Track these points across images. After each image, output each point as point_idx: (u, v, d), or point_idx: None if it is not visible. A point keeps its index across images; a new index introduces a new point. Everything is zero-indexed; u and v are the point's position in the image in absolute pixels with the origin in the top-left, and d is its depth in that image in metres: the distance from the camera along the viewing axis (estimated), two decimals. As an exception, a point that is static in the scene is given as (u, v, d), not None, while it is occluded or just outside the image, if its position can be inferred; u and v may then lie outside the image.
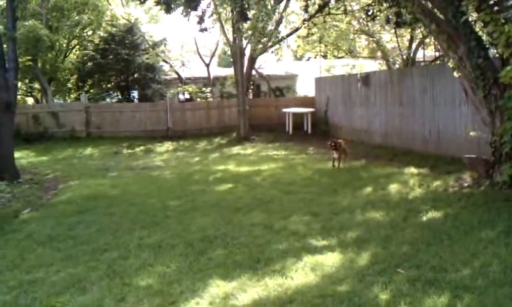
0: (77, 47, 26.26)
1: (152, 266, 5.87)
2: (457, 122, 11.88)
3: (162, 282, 5.41)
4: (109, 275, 5.68)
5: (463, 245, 6.07)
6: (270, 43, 19.40)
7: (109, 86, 24.75)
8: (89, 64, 23.95)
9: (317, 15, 19.26)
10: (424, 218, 7.35)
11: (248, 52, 19.67)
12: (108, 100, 25.18)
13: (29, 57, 20.33)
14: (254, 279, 5.32)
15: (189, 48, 32.95)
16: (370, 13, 16.95)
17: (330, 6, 18.63)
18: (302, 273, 5.46)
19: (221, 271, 5.60)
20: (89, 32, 25.89)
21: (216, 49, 27.93)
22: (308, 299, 4.81)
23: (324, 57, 27.21)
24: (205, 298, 4.95)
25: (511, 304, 4.53)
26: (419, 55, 20.97)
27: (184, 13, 15.84)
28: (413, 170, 10.94)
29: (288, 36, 21.37)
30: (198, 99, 23.31)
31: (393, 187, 9.43)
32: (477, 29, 9.87)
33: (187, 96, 25.95)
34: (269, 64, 28.16)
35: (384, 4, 14.92)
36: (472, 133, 10.02)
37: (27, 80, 24.92)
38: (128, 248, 6.54)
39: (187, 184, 10.58)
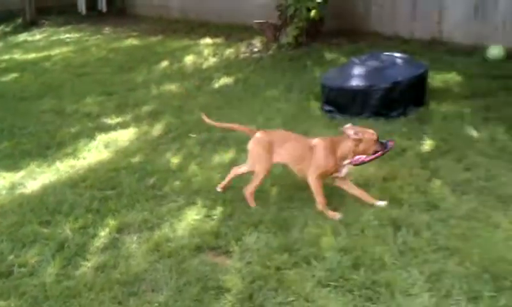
0: None
1: None
2: (248, -10, 12.09)
3: None
4: None
5: (250, 105, 6.45)
6: None
7: None
8: None
9: None
10: (216, 85, 7.61)
11: None
12: None
13: None
14: (44, 166, 5.10)
15: None
16: None
17: None
18: (95, 152, 5.37)
19: (9, 162, 5.27)
20: None
21: None
22: (101, 174, 4.78)
23: None
24: (-10, 191, 4.66)
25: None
26: None
27: None
28: (208, 41, 11.07)
29: None
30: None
31: (189, 59, 9.50)
32: None
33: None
34: None
35: None
36: (259, -1, 10.33)
37: None
38: None
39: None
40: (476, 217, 3.58)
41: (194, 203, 4.13)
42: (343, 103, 5.64)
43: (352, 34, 9.23)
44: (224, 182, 4.26)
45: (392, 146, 3.82)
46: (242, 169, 4.19)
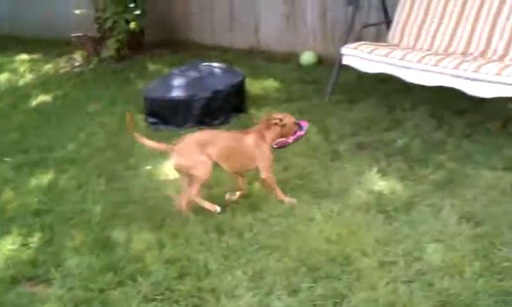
0: None
1: None
2: (66, 2, 11.56)
3: None
4: None
5: (70, 122, 6.17)
6: None
7: None
8: None
9: None
10: (34, 102, 7.17)
11: None
12: None
13: None
14: None
15: None
16: None
17: None
18: None
19: None
20: None
21: None
22: None
23: None
24: None
25: (110, 165, 4.88)
26: None
27: None
28: (24, 57, 10.37)
29: None
30: None
31: (3, 77, 8.82)
32: None
33: None
34: None
35: None
36: (77, 12, 9.91)
37: None
38: None
39: None
40: (293, 213, 3.77)
41: (8, 232, 3.82)
42: (166, 114, 5.63)
43: (175, 45, 9.28)
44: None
45: (306, 127, 4.10)
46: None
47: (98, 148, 5.32)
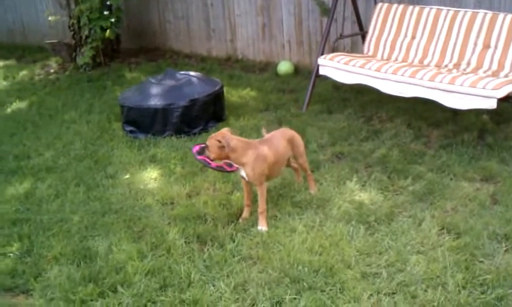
0: None
1: None
2: (39, 8, 11.44)
3: None
4: None
5: (47, 130, 6.09)
6: None
7: None
8: None
9: None
10: (9, 110, 7.07)
11: None
12: None
13: None
14: None
15: None
16: None
17: None
18: None
19: None
20: None
21: None
22: None
23: None
24: None
25: (89, 174, 4.83)
26: None
27: None
28: (-2, 63, 10.23)
29: None
30: None
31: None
32: None
33: None
34: None
35: None
36: (50, 18, 9.80)
37: None
38: None
39: None
40: (275, 224, 3.78)
41: (-15, 242, 3.77)
42: (144, 123, 5.59)
43: (151, 53, 9.26)
44: None
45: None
46: None
47: (76, 156, 5.26)
